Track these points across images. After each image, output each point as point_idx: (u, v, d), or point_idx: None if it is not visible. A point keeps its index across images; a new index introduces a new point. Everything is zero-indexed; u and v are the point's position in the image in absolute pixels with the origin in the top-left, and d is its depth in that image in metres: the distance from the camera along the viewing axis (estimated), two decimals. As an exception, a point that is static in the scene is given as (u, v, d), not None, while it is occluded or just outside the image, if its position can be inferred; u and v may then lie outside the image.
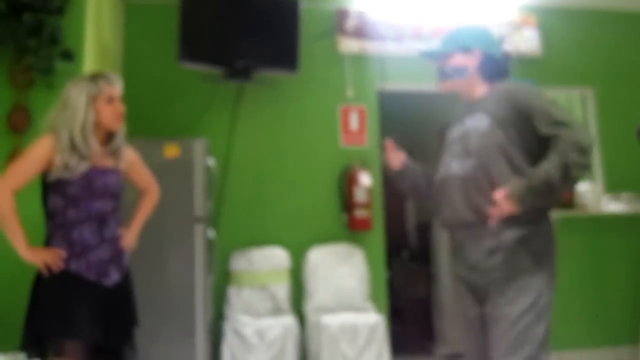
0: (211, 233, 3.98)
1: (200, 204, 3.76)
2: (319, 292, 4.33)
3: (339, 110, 4.75)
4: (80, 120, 2.36)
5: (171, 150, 3.75)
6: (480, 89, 2.32)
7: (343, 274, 4.40)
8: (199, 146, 3.82)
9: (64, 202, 2.37)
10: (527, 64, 5.08)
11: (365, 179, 4.48)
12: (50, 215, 2.42)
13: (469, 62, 2.31)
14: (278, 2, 4.43)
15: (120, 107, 2.48)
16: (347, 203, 4.55)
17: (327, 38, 4.80)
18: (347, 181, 4.55)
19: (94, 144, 2.40)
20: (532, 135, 2.09)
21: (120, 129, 2.52)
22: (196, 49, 4.23)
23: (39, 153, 2.35)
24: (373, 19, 4.84)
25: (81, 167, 2.36)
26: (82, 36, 3.30)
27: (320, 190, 4.63)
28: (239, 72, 4.34)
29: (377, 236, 4.66)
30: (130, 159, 2.65)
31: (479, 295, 2.20)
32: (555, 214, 4.80)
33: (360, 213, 4.47)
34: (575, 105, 5.41)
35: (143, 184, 2.79)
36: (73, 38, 3.25)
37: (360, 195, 4.46)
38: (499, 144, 2.10)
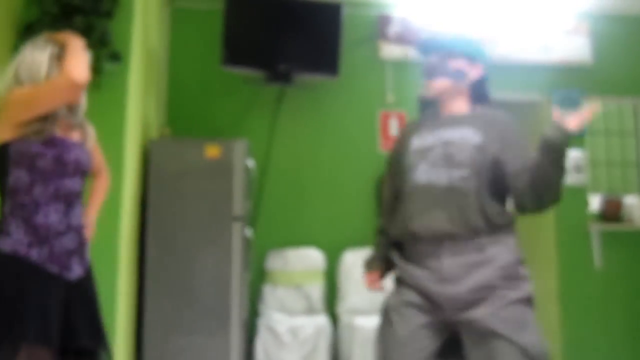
0: (249, 232, 4.07)
1: (239, 204, 3.85)
2: (352, 294, 4.36)
3: (378, 116, 4.78)
4: (44, 75, 2.08)
5: (212, 151, 3.86)
6: (463, 105, 2.23)
7: (378, 278, 4.41)
8: (239, 147, 3.91)
9: (30, 178, 2.05)
10: (576, 72, 4.97)
11: (402, 184, 4.47)
12: (9, 193, 2.06)
13: (471, 72, 2.21)
14: (320, 7, 4.52)
15: None
16: (383, 207, 4.56)
17: (369, 43, 4.85)
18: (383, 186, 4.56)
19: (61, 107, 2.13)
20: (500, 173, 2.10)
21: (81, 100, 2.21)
22: (239, 52, 4.37)
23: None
24: (416, 25, 4.85)
25: (50, 130, 2.07)
26: (129, 39, 3.43)
27: (357, 195, 4.67)
28: (281, 75, 4.45)
29: (413, 241, 4.65)
30: (92, 136, 2.31)
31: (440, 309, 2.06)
32: (601, 228, 4.69)
33: (396, 217, 4.47)
34: (626, 116, 5.28)
35: (98, 165, 2.47)
36: (121, 40, 3.38)
37: (397, 200, 4.46)
38: (493, 161, 2.08)
